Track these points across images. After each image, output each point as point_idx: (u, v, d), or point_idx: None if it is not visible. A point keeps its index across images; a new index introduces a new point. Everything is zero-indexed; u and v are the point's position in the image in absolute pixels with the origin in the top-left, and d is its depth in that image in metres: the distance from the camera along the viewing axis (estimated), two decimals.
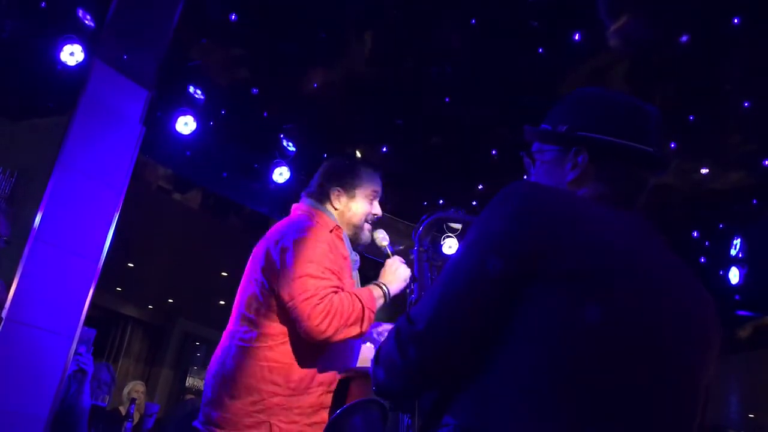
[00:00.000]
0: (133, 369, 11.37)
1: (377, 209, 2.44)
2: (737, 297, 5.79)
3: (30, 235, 3.64)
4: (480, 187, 5.78)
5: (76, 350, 3.55)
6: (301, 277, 2.05)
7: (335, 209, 2.36)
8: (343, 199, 2.37)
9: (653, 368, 1.03)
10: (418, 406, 1.35)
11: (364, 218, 2.39)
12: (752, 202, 5.52)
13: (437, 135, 5.63)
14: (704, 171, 5.29)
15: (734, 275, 5.61)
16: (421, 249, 1.65)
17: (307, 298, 2.02)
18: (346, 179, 2.38)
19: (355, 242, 2.41)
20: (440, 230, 6.31)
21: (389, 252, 2.41)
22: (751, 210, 5.57)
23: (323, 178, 2.40)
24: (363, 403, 1.99)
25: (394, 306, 2.26)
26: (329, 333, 2.03)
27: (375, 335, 2.23)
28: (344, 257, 2.27)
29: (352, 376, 2.84)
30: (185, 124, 4.87)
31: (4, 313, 3.41)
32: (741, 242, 5.70)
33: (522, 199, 1.09)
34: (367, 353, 3.04)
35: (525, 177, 1.35)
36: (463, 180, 5.90)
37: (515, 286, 1.04)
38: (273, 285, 2.11)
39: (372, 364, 1.20)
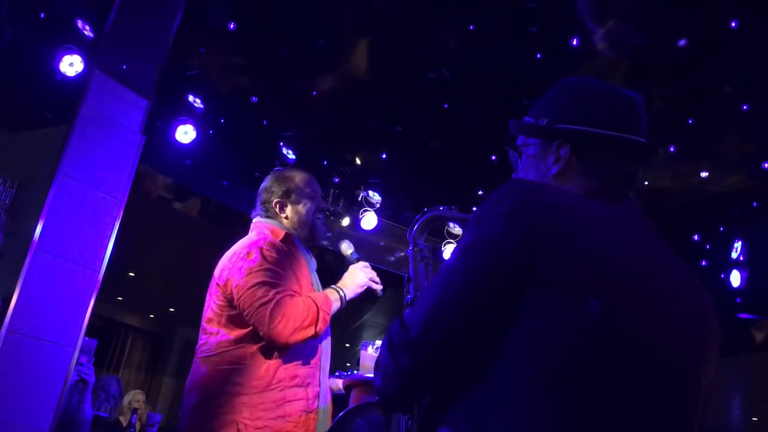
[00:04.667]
0: (135, 378, 11.34)
1: (322, 203, 2.56)
2: (738, 300, 5.79)
3: (30, 246, 3.63)
4: (480, 192, 5.78)
5: (77, 360, 3.55)
6: (254, 285, 2.17)
7: (285, 219, 2.47)
8: (287, 207, 2.47)
9: (653, 374, 1.01)
10: (417, 410, 1.34)
11: (312, 214, 2.50)
12: (752, 204, 5.52)
13: (437, 140, 5.63)
14: (704, 174, 5.30)
15: (735, 278, 5.60)
16: (415, 249, 1.63)
17: (263, 304, 2.13)
18: (281, 189, 2.48)
19: (313, 239, 2.54)
20: (441, 236, 6.32)
21: (354, 259, 2.54)
22: (751, 212, 5.57)
23: (264, 195, 2.51)
24: (364, 406, 1.99)
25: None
26: (286, 334, 2.13)
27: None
28: (300, 263, 2.38)
29: (353, 384, 2.84)
30: (185, 133, 4.88)
31: (5, 324, 3.41)
32: (742, 245, 5.70)
33: (518, 200, 1.06)
34: (368, 362, 3.04)
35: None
36: (462, 185, 5.90)
37: (511, 291, 1.01)
38: (228, 297, 2.22)
39: (374, 370, 1.19)
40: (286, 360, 2.21)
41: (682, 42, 4.16)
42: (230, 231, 6.28)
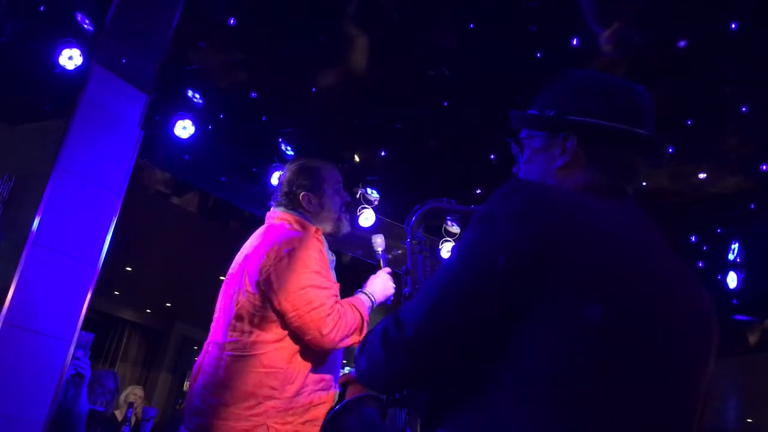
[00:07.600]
0: (131, 373, 11.34)
1: (346, 196, 2.50)
2: (735, 301, 5.81)
3: (28, 239, 3.63)
4: (479, 191, 5.78)
5: (73, 354, 3.55)
6: (303, 288, 2.10)
7: (309, 212, 2.38)
8: (314, 200, 2.39)
9: (657, 374, 1.01)
10: (415, 405, 1.32)
11: (339, 210, 2.44)
12: (750, 206, 5.52)
13: (436, 139, 5.63)
14: (702, 175, 5.30)
15: (732, 280, 5.62)
16: (413, 241, 1.61)
17: (314, 308, 2.09)
18: (310, 181, 2.40)
19: (336, 234, 2.47)
20: (438, 234, 6.31)
21: (380, 260, 2.49)
22: (748, 214, 5.58)
23: (288, 185, 2.41)
24: (359, 399, 1.98)
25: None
26: (336, 341, 2.11)
27: None
28: (327, 260, 2.32)
29: (350, 382, 2.84)
30: (184, 128, 4.88)
31: (1, 317, 3.40)
32: (739, 246, 5.71)
33: (525, 201, 1.03)
34: None
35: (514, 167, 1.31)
36: (461, 184, 5.90)
37: (512, 295, 0.99)
38: (269, 296, 2.13)
39: (357, 350, 1.18)
40: (317, 365, 2.19)
41: (681, 43, 4.16)
42: (228, 226, 6.28)
